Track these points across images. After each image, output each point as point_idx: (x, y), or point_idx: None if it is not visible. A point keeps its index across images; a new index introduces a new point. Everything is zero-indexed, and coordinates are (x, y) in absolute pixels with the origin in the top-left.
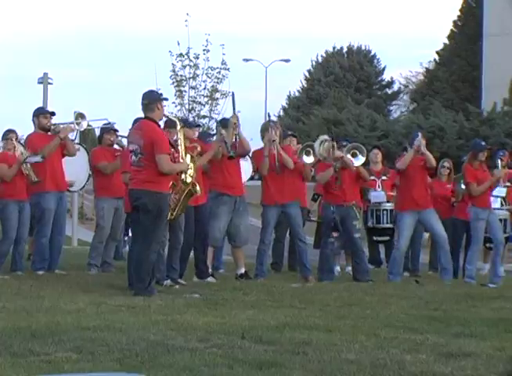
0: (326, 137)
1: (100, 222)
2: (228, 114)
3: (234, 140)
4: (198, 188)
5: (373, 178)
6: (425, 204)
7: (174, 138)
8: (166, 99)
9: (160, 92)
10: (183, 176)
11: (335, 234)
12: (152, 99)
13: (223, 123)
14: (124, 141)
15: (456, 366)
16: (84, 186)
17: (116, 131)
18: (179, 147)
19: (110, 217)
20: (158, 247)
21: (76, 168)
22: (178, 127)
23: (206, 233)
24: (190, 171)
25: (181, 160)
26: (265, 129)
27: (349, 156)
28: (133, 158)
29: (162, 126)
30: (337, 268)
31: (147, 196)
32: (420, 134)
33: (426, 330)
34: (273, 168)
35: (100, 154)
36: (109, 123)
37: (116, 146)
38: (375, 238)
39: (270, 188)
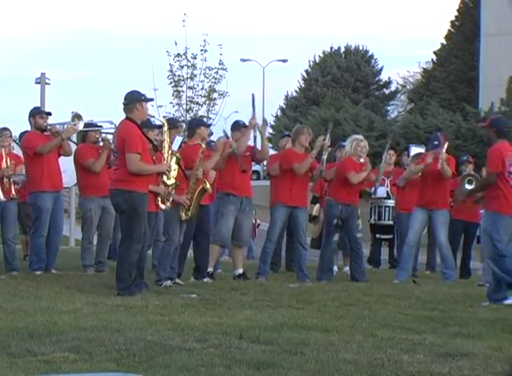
0: (359, 136)
1: (86, 224)
2: (225, 114)
3: (253, 142)
4: (209, 185)
5: (382, 177)
6: (437, 205)
7: (158, 138)
8: (150, 100)
9: (143, 92)
10: (164, 178)
11: (337, 233)
12: (131, 100)
13: (234, 127)
14: (109, 137)
15: (454, 366)
16: (77, 183)
17: (100, 127)
18: (164, 149)
19: (97, 217)
20: (139, 246)
21: (68, 165)
22: (165, 128)
23: (207, 233)
24: (173, 173)
25: (163, 162)
26: (299, 133)
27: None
28: (112, 158)
29: (167, 126)
30: (335, 268)
31: (119, 195)
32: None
33: (423, 330)
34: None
35: (86, 152)
36: (93, 123)
37: (101, 144)
38: (378, 236)
39: (281, 189)
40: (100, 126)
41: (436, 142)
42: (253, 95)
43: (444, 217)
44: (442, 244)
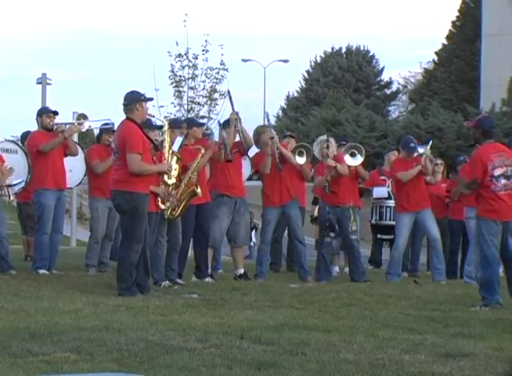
0: (324, 137)
1: (94, 223)
2: (227, 115)
3: (238, 138)
4: (199, 190)
5: (383, 178)
6: (422, 205)
7: (159, 138)
8: (150, 100)
9: (142, 92)
10: (165, 177)
11: (332, 234)
12: (130, 100)
13: (225, 124)
14: None
15: (455, 367)
16: (80, 183)
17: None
18: (164, 149)
19: (104, 217)
20: (139, 247)
21: (71, 165)
22: (165, 127)
23: (207, 233)
24: (174, 173)
25: (164, 162)
26: (260, 133)
27: (348, 156)
28: (113, 158)
29: (167, 126)
30: (336, 268)
31: (120, 196)
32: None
33: (424, 330)
34: (275, 166)
35: (95, 153)
36: (109, 123)
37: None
38: (379, 236)
39: (269, 189)
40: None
41: (412, 145)
42: (228, 90)
43: (431, 215)
44: (436, 239)
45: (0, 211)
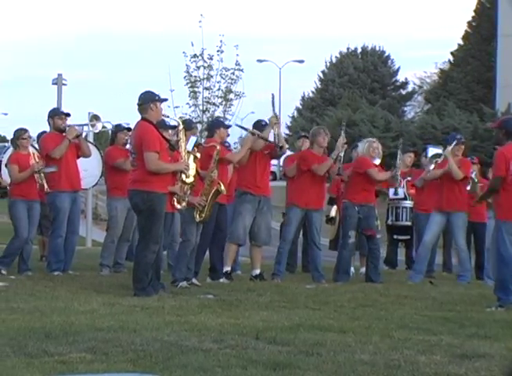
0: (372, 139)
1: (112, 222)
2: (241, 115)
3: (274, 140)
4: (223, 187)
5: (400, 178)
6: (454, 207)
7: (175, 138)
8: (164, 100)
9: (157, 92)
10: (183, 176)
11: (353, 234)
12: (145, 100)
13: (257, 125)
14: None
15: (470, 368)
16: (96, 184)
17: (129, 130)
18: (180, 148)
19: (123, 217)
20: (156, 247)
21: (87, 166)
22: (180, 127)
23: (225, 234)
24: (192, 172)
25: (181, 161)
26: (315, 135)
27: None
28: (130, 158)
29: (182, 125)
30: (351, 269)
31: (137, 196)
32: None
33: (440, 331)
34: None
35: (115, 153)
36: (121, 124)
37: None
38: (395, 236)
39: (297, 190)
40: (129, 128)
41: (459, 136)
42: (272, 94)
43: (462, 220)
44: (461, 247)
45: (35, 214)
